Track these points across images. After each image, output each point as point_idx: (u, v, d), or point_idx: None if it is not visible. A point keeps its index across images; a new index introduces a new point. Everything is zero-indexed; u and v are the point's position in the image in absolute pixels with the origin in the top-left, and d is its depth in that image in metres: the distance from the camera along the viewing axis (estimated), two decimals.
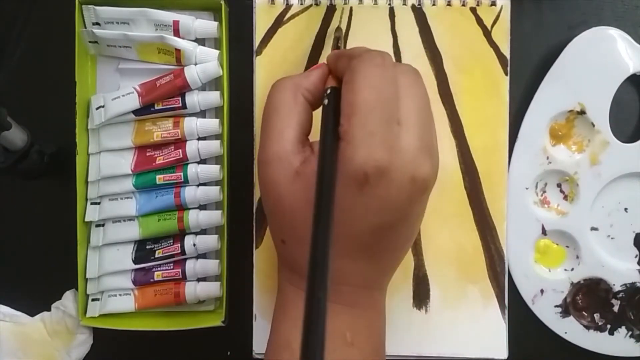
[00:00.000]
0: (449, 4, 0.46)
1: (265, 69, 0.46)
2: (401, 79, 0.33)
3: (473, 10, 0.46)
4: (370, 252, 0.33)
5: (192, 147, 0.45)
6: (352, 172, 0.30)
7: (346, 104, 0.31)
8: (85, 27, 0.45)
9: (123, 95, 0.45)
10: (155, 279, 0.45)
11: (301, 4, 0.46)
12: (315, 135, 0.34)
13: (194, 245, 0.45)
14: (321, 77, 0.35)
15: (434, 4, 0.46)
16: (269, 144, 0.34)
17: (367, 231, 0.32)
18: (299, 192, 0.32)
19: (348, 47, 0.46)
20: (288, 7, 0.46)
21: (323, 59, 0.46)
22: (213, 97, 0.45)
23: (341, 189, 0.30)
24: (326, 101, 0.33)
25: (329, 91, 0.34)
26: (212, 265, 0.45)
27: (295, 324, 0.24)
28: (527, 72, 0.47)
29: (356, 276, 0.34)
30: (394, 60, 0.34)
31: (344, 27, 0.46)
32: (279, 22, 0.46)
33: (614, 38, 0.45)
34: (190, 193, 0.45)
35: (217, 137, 0.46)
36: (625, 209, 0.47)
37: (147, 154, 0.45)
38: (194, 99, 0.45)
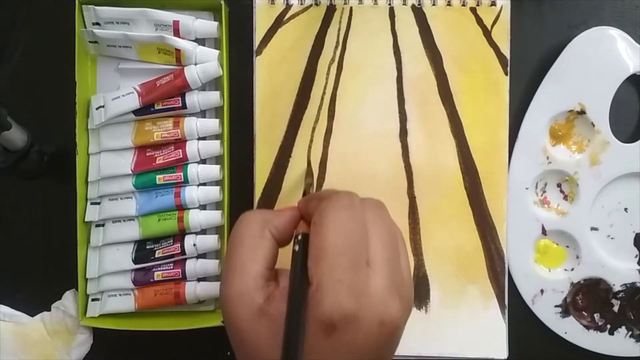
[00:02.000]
0: (449, 4, 0.46)
1: (265, 69, 0.46)
2: (368, 216, 0.33)
3: (473, 10, 0.46)
4: None
5: (192, 147, 0.45)
6: (320, 319, 0.30)
7: (314, 247, 0.31)
8: (85, 27, 0.45)
9: (123, 95, 0.45)
10: (155, 279, 0.45)
11: (301, 4, 0.46)
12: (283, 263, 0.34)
13: (194, 245, 0.45)
14: (291, 220, 0.35)
15: (434, 4, 0.46)
16: (232, 279, 0.33)
17: None
18: (263, 331, 0.31)
19: (348, 46, 0.46)
20: (288, 7, 0.46)
21: (323, 59, 0.46)
22: (213, 97, 0.45)
23: (310, 333, 0.30)
24: (296, 247, 0.33)
25: (299, 237, 0.33)
26: (212, 265, 0.45)
27: None
28: (527, 72, 0.47)
29: None
30: (360, 197, 0.34)
31: (343, 27, 0.46)
32: (279, 22, 0.46)
33: (614, 38, 0.45)
34: (190, 193, 0.45)
35: (217, 137, 0.46)
36: (625, 209, 0.47)
37: (147, 154, 0.45)
38: (194, 99, 0.45)
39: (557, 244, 0.47)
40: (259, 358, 0.32)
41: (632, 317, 0.47)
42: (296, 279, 0.31)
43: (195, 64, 0.44)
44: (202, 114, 0.46)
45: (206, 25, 0.45)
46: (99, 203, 0.46)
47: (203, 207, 0.46)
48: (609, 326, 0.47)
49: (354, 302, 0.30)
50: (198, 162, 0.46)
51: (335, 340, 0.30)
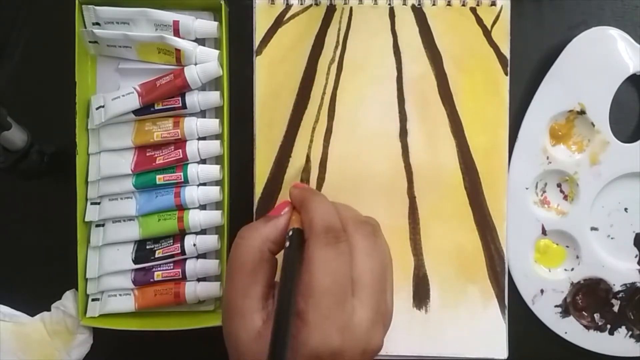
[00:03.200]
0: (449, 4, 0.46)
1: (265, 69, 0.46)
2: (359, 246, 0.34)
3: (473, 10, 0.46)
4: None
5: (192, 147, 0.45)
6: (308, 354, 0.31)
7: (303, 283, 0.32)
8: (85, 27, 0.45)
9: (123, 95, 0.45)
10: (155, 279, 0.45)
11: (301, 4, 0.46)
12: None
13: (194, 245, 0.45)
14: (287, 225, 0.36)
15: (434, 4, 0.46)
16: (234, 298, 0.34)
17: None
18: (259, 353, 0.33)
19: (348, 46, 0.46)
20: (288, 7, 0.46)
21: (323, 59, 0.46)
22: (213, 97, 0.45)
23: None
24: (287, 243, 0.34)
25: (290, 233, 0.35)
26: (212, 265, 0.45)
27: None
28: (527, 72, 0.47)
29: None
30: (351, 215, 0.36)
31: (343, 27, 0.46)
32: (279, 22, 0.46)
33: (614, 38, 0.45)
34: (190, 193, 0.45)
35: (217, 137, 0.46)
36: (625, 209, 0.47)
37: (147, 154, 0.45)
38: (194, 99, 0.45)
39: (557, 244, 0.47)
40: None
41: (632, 317, 0.47)
42: (287, 285, 0.32)
43: (195, 64, 0.44)
44: (202, 114, 0.46)
45: (206, 25, 0.45)
46: (99, 203, 0.46)
47: (203, 207, 0.46)
48: (609, 326, 0.47)
49: (340, 337, 0.32)
50: (198, 162, 0.46)
51: None
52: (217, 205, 0.46)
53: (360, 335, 0.32)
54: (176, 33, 0.44)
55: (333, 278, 0.32)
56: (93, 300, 0.46)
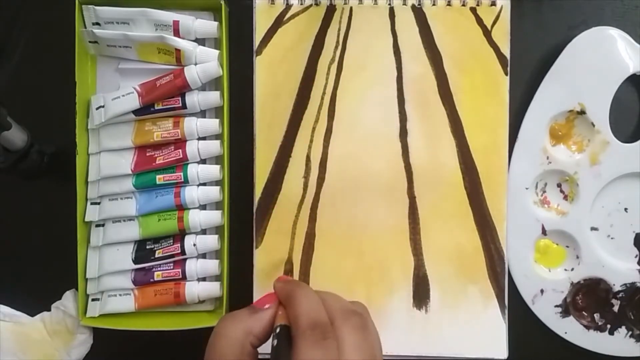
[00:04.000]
0: (449, 4, 0.46)
1: (265, 69, 0.46)
2: (347, 339, 0.33)
3: (473, 10, 0.46)
4: None
5: (192, 147, 0.45)
6: None
7: None
8: (85, 27, 0.45)
9: (123, 95, 0.45)
10: (155, 279, 0.45)
11: (301, 4, 0.46)
12: None
13: (194, 245, 0.45)
14: (271, 321, 0.35)
15: (434, 4, 0.46)
16: None
17: None
18: None
19: (348, 46, 0.46)
20: (288, 7, 0.46)
21: (323, 59, 0.46)
22: (213, 97, 0.45)
23: None
24: (275, 342, 0.33)
25: (278, 330, 0.34)
26: (212, 265, 0.45)
27: None
28: (527, 72, 0.47)
29: None
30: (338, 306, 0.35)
31: (343, 27, 0.46)
32: (279, 22, 0.46)
33: (614, 38, 0.45)
34: (190, 193, 0.45)
35: (217, 137, 0.46)
36: (625, 209, 0.47)
37: (147, 154, 0.45)
38: (194, 99, 0.45)
39: (557, 244, 0.47)
40: None
41: (632, 317, 0.47)
42: None
43: (195, 64, 0.44)
44: (202, 114, 0.46)
45: (206, 25, 0.45)
46: (99, 203, 0.46)
47: (203, 207, 0.46)
48: (609, 326, 0.47)
49: None
50: (198, 162, 0.46)
51: None
52: (217, 205, 0.46)
53: None
54: (176, 33, 0.44)
55: None
56: (93, 300, 0.46)
